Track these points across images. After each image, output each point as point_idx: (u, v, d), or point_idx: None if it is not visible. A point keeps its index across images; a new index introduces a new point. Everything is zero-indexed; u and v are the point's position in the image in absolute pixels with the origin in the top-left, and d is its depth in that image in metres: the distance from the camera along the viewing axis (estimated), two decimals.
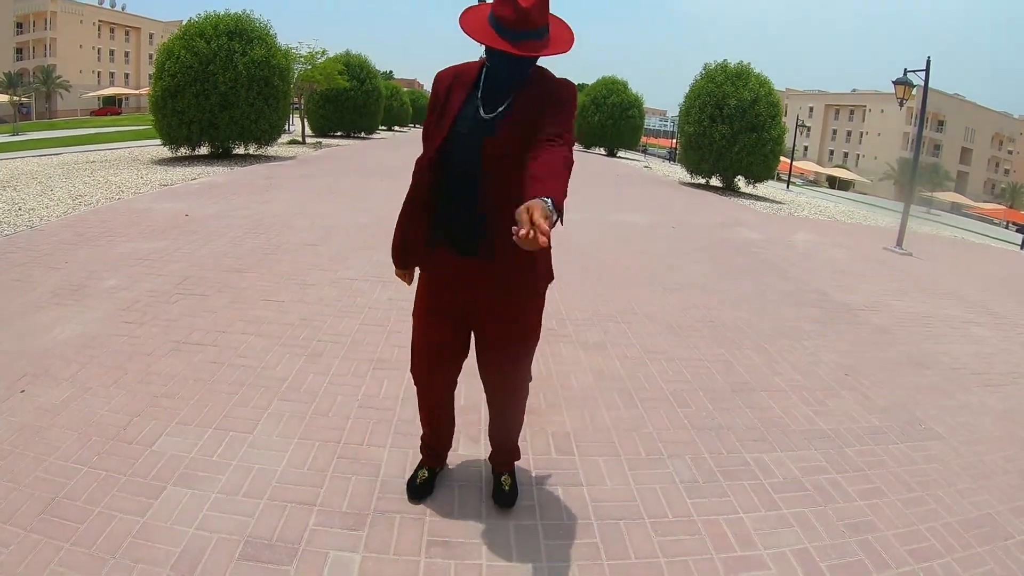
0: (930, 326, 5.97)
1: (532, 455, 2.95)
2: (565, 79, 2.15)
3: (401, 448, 2.92)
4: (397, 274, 2.48)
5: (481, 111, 2.10)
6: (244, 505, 2.45)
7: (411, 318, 2.42)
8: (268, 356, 3.79)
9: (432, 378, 2.46)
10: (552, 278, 2.35)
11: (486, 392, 2.51)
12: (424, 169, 2.22)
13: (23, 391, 3.25)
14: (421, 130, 2.31)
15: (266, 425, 3.03)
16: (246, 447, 2.83)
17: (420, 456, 2.72)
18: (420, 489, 2.60)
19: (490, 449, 2.68)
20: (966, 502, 2.98)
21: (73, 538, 2.23)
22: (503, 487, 2.60)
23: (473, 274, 2.21)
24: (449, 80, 2.18)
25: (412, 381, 2.52)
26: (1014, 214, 49.63)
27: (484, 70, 2.13)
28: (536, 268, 2.25)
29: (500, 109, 2.08)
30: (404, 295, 4.91)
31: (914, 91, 12.25)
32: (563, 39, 2.02)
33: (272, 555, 2.21)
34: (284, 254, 6.11)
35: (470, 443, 3.02)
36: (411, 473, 2.68)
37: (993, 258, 13.16)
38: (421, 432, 2.69)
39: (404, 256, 2.40)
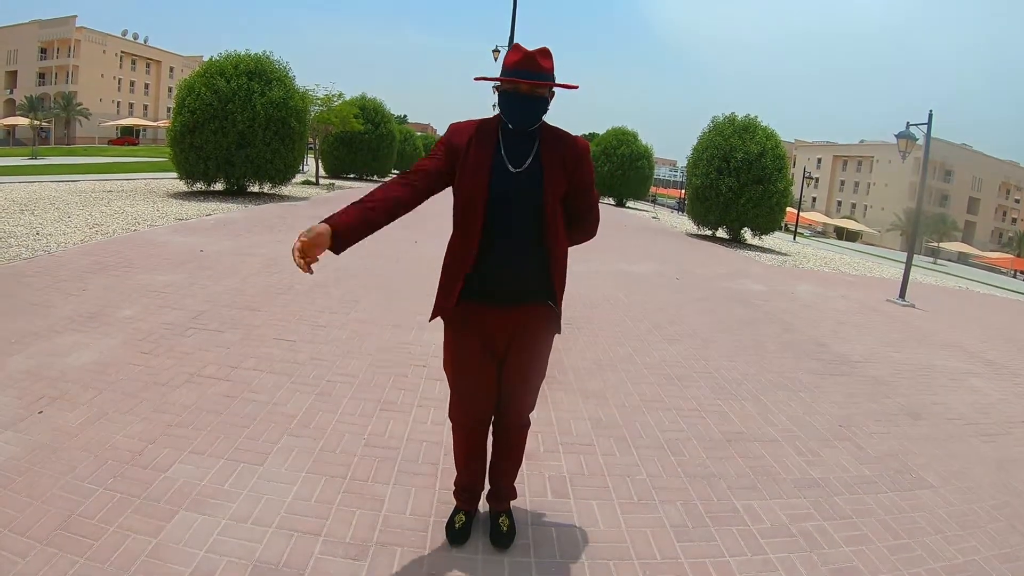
0: (927, 377, 6.05)
1: (529, 496, 3.05)
2: (578, 136, 2.38)
3: (404, 486, 3.03)
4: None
5: (510, 166, 2.27)
6: (253, 531, 2.56)
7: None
8: (279, 392, 3.93)
9: (470, 418, 2.55)
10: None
11: (492, 431, 2.65)
12: (398, 185, 2.35)
13: (41, 412, 3.39)
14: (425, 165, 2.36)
15: (276, 458, 3.15)
16: (256, 478, 2.95)
17: (454, 501, 2.78)
18: (459, 533, 2.66)
19: (488, 488, 2.78)
20: (952, 549, 3.04)
21: (88, 553, 2.34)
22: (501, 528, 2.68)
23: (504, 319, 2.37)
24: (469, 134, 2.32)
25: (449, 426, 2.66)
26: (1021, 263, 49.60)
27: (500, 128, 2.31)
28: (557, 309, 2.44)
29: (526, 163, 2.27)
30: (411, 341, 5.07)
31: (918, 142, 12.40)
32: (568, 83, 2.28)
33: None
34: (296, 294, 6.27)
35: None
36: (448, 520, 2.73)
37: (996, 308, 13.20)
38: (456, 478, 2.77)
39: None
